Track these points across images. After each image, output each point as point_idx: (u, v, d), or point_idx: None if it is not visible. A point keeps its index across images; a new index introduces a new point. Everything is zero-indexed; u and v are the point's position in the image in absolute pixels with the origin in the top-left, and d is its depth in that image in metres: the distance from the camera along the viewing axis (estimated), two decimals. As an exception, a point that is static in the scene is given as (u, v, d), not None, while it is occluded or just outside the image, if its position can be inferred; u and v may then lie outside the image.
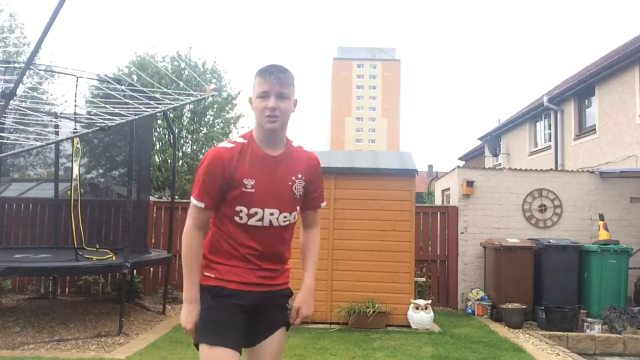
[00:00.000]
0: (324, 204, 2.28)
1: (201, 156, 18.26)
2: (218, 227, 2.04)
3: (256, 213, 1.99)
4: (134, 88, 6.69)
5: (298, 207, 2.13)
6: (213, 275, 2.02)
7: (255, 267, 2.02)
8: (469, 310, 7.57)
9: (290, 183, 2.05)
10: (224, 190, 1.97)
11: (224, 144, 2.04)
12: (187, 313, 1.99)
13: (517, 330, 6.48)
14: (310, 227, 2.28)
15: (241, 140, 2.04)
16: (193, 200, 1.99)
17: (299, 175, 2.08)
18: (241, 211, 1.98)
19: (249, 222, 1.99)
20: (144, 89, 6.66)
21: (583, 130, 11.83)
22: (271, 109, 1.95)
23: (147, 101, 6.11)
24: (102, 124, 5.42)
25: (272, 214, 2.01)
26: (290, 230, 2.12)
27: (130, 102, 5.95)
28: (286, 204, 2.05)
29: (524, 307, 6.77)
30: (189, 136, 18.27)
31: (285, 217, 2.05)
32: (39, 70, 8.02)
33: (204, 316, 1.98)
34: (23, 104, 6.94)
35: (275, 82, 1.96)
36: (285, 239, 2.10)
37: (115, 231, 8.25)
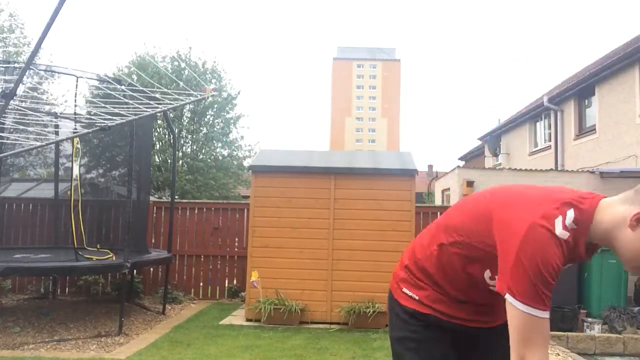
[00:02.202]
0: None
1: (201, 156, 18.28)
2: (446, 272, 1.63)
3: None
4: (134, 88, 6.69)
5: None
6: (417, 298, 1.67)
7: (466, 301, 1.66)
8: (469, 310, 7.56)
9: None
10: None
11: (562, 232, 1.39)
12: None
13: (517, 330, 6.47)
14: None
15: (572, 226, 1.41)
16: (536, 312, 1.36)
17: None
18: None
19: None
20: (144, 89, 6.66)
21: (583, 130, 11.83)
22: None
23: (147, 101, 6.10)
24: (102, 124, 5.41)
25: None
26: None
27: (130, 102, 5.95)
28: None
29: (524, 307, 6.76)
30: (189, 136, 18.29)
31: None
32: (39, 70, 8.02)
33: (415, 348, 1.65)
34: (23, 104, 6.94)
35: None
36: None
37: (115, 231, 8.25)
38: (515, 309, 1.36)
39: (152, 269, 8.28)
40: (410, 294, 1.69)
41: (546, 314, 1.37)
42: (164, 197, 15.36)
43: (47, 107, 9.20)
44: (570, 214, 1.40)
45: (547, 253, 1.36)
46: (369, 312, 6.09)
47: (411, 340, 1.67)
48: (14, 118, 6.32)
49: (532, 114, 14.31)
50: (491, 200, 1.53)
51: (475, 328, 1.69)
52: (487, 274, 1.55)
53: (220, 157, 18.79)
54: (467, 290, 1.63)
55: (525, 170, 8.56)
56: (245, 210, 8.24)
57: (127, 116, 5.68)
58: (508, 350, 1.43)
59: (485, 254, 1.51)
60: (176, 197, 8.44)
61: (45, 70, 8.56)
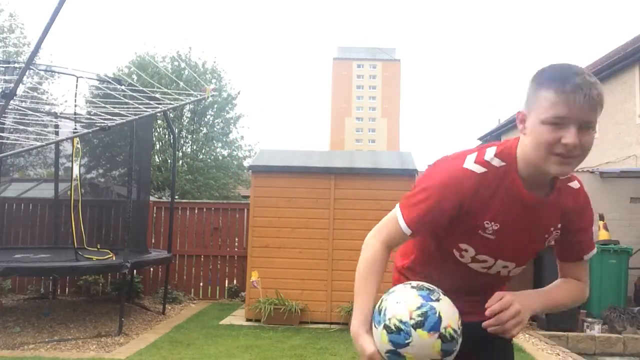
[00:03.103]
0: (590, 254, 1.55)
1: (201, 156, 18.28)
2: (425, 251, 1.61)
3: (485, 261, 1.51)
4: (134, 88, 6.69)
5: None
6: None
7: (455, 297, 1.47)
8: (469, 310, 7.56)
9: (546, 236, 1.49)
10: (449, 222, 1.44)
11: (472, 165, 1.40)
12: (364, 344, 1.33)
13: (517, 330, 6.46)
14: (570, 281, 1.59)
15: (498, 162, 1.40)
16: (400, 219, 1.43)
17: (559, 226, 1.49)
18: (466, 251, 1.50)
19: (470, 264, 1.53)
20: (144, 89, 6.67)
21: (583, 130, 11.84)
22: (568, 147, 1.25)
23: (147, 101, 6.11)
24: (102, 124, 5.41)
25: (505, 267, 1.54)
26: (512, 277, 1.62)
27: (130, 102, 5.95)
28: (527, 258, 1.56)
29: (524, 307, 6.76)
30: (189, 136, 18.30)
31: (518, 270, 1.58)
32: (39, 70, 8.03)
33: None
34: (23, 104, 6.94)
35: (584, 104, 1.23)
36: (503, 285, 1.63)
37: (115, 231, 8.25)
38: (393, 212, 1.49)
39: (152, 269, 8.28)
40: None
41: (407, 230, 1.43)
42: (164, 197, 15.37)
43: (47, 107, 9.20)
44: (490, 151, 1.43)
45: (450, 177, 1.40)
46: (369, 312, 6.09)
47: None
48: (14, 118, 6.33)
49: (532, 114, 14.31)
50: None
51: (469, 323, 1.51)
52: (455, 252, 1.54)
53: (220, 157, 18.80)
54: (451, 274, 1.57)
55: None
56: (245, 210, 8.24)
57: (127, 116, 5.68)
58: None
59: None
60: (176, 197, 8.45)
61: (45, 70, 8.57)
